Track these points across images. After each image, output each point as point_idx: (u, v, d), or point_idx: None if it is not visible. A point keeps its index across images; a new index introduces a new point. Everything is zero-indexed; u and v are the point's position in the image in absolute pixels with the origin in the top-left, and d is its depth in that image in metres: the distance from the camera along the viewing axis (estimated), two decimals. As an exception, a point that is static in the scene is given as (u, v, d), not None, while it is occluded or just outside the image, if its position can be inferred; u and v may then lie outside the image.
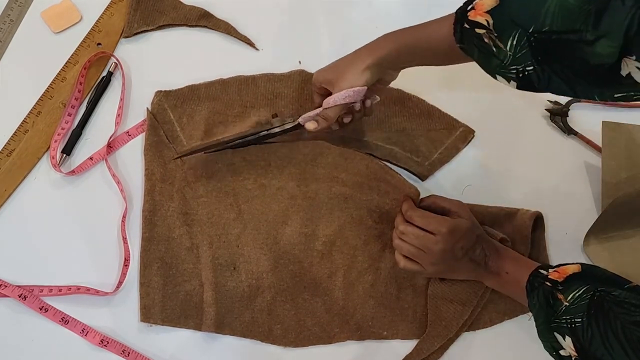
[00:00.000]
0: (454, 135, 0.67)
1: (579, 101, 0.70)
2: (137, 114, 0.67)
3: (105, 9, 0.70)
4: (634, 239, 0.62)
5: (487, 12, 0.45)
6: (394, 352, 0.61)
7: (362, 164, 0.64)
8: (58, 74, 0.67)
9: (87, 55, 0.67)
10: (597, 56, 0.40)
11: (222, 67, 0.69)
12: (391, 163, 0.66)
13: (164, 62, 0.69)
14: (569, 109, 0.69)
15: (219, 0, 0.71)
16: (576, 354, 0.46)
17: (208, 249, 0.61)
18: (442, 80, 0.70)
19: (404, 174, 0.66)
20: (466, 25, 0.47)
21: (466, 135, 0.67)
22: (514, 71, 0.45)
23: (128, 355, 0.58)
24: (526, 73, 0.45)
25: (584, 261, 0.60)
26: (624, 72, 0.40)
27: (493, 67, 0.47)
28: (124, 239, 0.62)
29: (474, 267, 0.57)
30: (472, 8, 0.46)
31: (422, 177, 0.66)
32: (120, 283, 0.60)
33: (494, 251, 0.57)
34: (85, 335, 0.59)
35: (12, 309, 0.59)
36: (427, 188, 0.66)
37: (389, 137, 0.67)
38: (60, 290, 0.60)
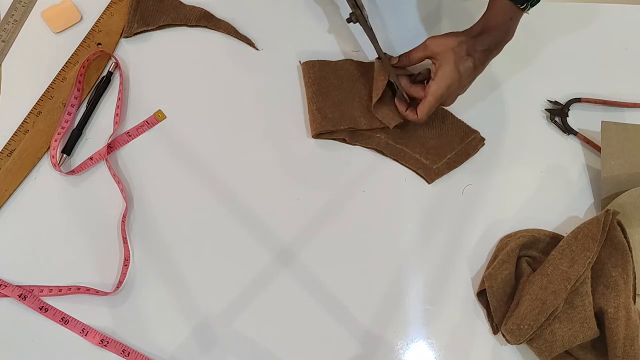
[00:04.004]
0: (464, 142, 0.67)
1: (579, 101, 0.70)
2: (137, 114, 0.67)
3: (105, 9, 0.70)
4: (634, 238, 0.62)
5: None
6: (394, 352, 0.61)
7: None
8: (58, 74, 0.67)
9: (87, 55, 0.67)
10: None
11: (222, 67, 0.69)
12: (399, 163, 0.67)
13: (163, 62, 0.69)
14: (568, 109, 0.69)
15: (219, 0, 0.71)
16: None
17: None
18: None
19: (415, 178, 0.66)
20: None
21: (477, 143, 0.67)
22: None
23: (128, 355, 0.58)
24: None
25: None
26: None
27: None
28: (124, 239, 0.62)
29: (485, 59, 0.61)
30: None
31: (429, 180, 0.66)
32: (120, 283, 0.60)
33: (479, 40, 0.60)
34: (85, 335, 0.59)
35: (12, 309, 0.59)
36: (428, 187, 0.66)
37: (400, 136, 0.67)
38: (60, 290, 0.60)
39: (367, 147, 0.67)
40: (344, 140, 0.67)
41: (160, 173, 0.65)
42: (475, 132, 0.68)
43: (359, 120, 0.66)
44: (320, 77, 0.67)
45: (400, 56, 0.65)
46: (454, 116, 0.68)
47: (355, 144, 0.67)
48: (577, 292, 0.58)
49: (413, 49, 0.63)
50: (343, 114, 0.66)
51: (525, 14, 0.59)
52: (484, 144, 0.68)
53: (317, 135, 0.66)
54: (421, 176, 0.66)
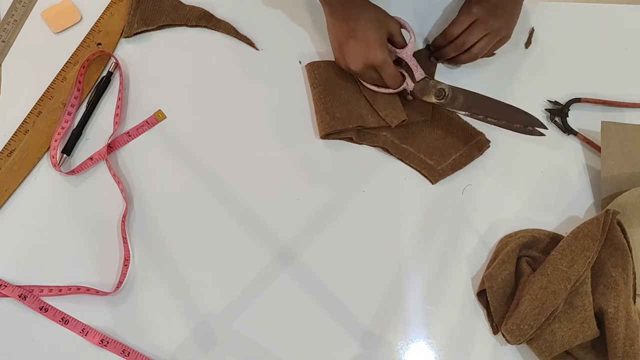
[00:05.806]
0: (469, 143, 0.67)
1: (579, 101, 0.70)
2: (137, 114, 0.67)
3: (105, 9, 0.70)
4: (634, 238, 0.62)
5: None
6: (394, 352, 0.61)
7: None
8: (58, 74, 0.67)
9: (87, 55, 0.67)
10: None
11: (222, 67, 0.69)
12: (404, 162, 0.67)
13: (163, 62, 0.69)
14: (568, 109, 0.69)
15: (219, 0, 0.71)
16: None
17: None
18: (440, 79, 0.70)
19: (415, 178, 0.66)
20: None
21: (482, 145, 0.67)
22: None
23: (128, 355, 0.58)
24: None
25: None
26: None
27: None
28: (124, 239, 0.62)
29: None
30: None
31: (433, 181, 0.66)
32: (120, 283, 0.60)
33: None
34: (85, 335, 0.59)
35: (12, 309, 0.59)
36: (428, 187, 0.66)
37: (406, 136, 0.67)
38: (60, 290, 0.60)
39: (374, 146, 0.67)
40: (350, 140, 0.67)
41: (160, 173, 0.65)
42: (480, 133, 0.68)
43: (366, 119, 0.66)
44: (326, 77, 0.67)
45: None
46: (460, 117, 0.68)
47: (362, 143, 0.67)
48: (577, 292, 0.58)
49: (453, 24, 0.67)
50: (350, 113, 0.66)
51: None
52: (489, 146, 0.67)
53: (326, 135, 0.66)
54: (425, 176, 0.66)
